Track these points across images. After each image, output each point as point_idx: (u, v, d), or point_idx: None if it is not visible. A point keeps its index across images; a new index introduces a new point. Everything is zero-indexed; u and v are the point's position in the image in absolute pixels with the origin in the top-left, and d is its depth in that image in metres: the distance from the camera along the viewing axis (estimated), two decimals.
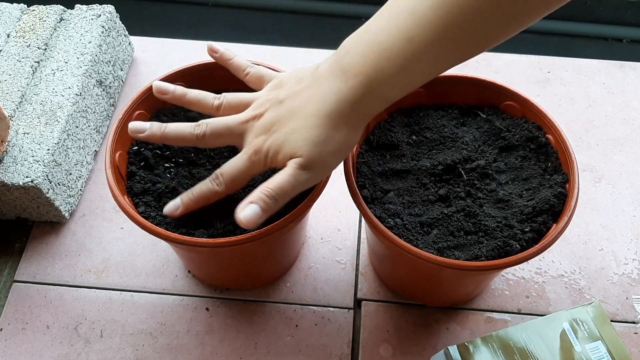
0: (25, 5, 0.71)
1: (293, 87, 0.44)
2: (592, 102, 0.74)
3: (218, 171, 0.45)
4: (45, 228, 0.64)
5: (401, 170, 0.52)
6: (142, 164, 0.52)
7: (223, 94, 0.47)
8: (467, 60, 0.40)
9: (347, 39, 0.42)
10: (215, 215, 0.49)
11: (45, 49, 0.67)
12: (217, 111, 0.47)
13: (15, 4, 0.71)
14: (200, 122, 0.46)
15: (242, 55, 0.51)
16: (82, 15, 0.70)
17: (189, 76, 0.55)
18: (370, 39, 0.40)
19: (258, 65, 0.50)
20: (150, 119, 0.55)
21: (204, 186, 0.46)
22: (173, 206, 0.46)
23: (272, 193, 0.42)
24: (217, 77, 0.56)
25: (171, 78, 0.55)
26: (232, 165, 0.44)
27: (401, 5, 0.39)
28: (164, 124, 0.47)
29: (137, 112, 0.53)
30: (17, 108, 0.62)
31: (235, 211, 0.42)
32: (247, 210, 0.41)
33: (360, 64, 0.40)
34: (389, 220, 0.48)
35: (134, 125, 0.47)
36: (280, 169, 0.43)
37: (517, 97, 0.54)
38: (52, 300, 0.59)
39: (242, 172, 0.44)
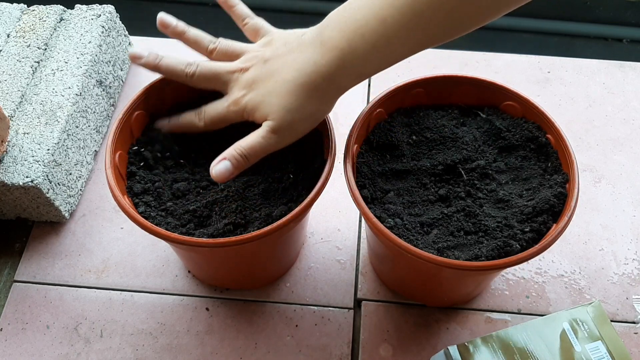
0: (25, 5, 0.71)
1: (279, 48, 0.46)
2: (592, 102, 0.74)
3: (202, 108, 0.50)
4: (45, 228, 0.64)
5: (401, 170, 0.52)
6: (142, 164, 0.52)
7: (219, 38, 0.50)
8: (439, 44, 0.42)
9: (333, 11, 0.44)
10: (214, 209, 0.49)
11: (45, 49, 0.67)
12: (210, 54, 0.51)
13: (15, 4, 0.71)
14: (193, 61, 0.49)
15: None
16: (82, 15, 0.70)
17: None
18: (349, 16, 0.42)
19: (258, 17, 0.52)
20: (149, 119, 0.55)
21: (189, 116, 0.51)
22: (162, 120, 0.52)
23: (244, 152, 0.45)
24: None
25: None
26: (213, 107, 0.49)
27: None
28: (161, 55, 0.50)
29: (137, 112, 0.53)
30: (17, 108, 0.62)
31: (210, 166, 0.45)
32: (219, 166, 0.45)
33: (337, 38, 0.42)
34: (389, 220, 0.48)
35: (133, 50, 0.51)
36: (255, 125, 0.46)
37: (517, 97, 0.54)
38: (52, 300, 0.59)
39: (220, 116, 0.49)
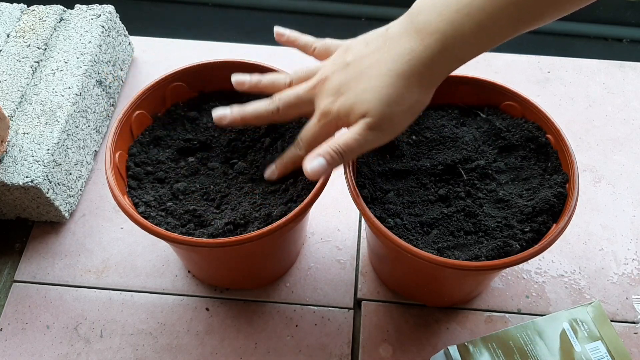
0: (25, 5, 0.71)
1: (361, 50, 0.44)
2: (592, 102, 0.74)
3: (299, 137, 0.47)
4: (45, 228, 0.64)
5: (401, 170, 0.52)
6: (142, 164, 0.53)
7: (294, 70, 0.49)
8: (546, 22, 0.40)
9: (416, 1, 0.42)
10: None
11: (45, 49, 0.67)
12: (289, 88, 0.48)
13: (15, 4, 0.71)
14: (273, 96, 0.47)
15: (243, 55, 0.51)
16: (82, 15, 0.70)
17: (189, 76, 0.55)
18: None
19: (324, 39, 0.50)
20: (152, 122, 0.55)
21: (291, 153, 0.48)
22: (222, 113, 0.49)
23: (340, 149, 0.43)
24: (217, 77, 0.56)
25: (171, 78, 0.55)
26: (306, 131, 0.46)
27: None
28: (242, 108, 0.48)
29: (137, 112, 0.53)
30: (17, 108, 0.62)
31: (303, 163, 0.43)
32: (314, 163, 0.43)
33: (435, 22, 0.40)
34: (389, 220, 0.48)
35: (216, 113, 0.49)
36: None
37: (517, 97, 0.54)
38: (52, 300, 0.59)
39: (315, 134, 0.46)
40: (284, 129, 0.54)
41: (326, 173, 0.44)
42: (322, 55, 0.49)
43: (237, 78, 0.50)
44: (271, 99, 0.47)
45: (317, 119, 0.45)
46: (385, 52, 0.42)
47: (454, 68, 0.42)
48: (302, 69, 0.48)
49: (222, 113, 0.48)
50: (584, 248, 0.62)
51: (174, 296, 0.59)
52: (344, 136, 0.43)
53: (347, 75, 0.44)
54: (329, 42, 0.49)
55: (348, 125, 0.44)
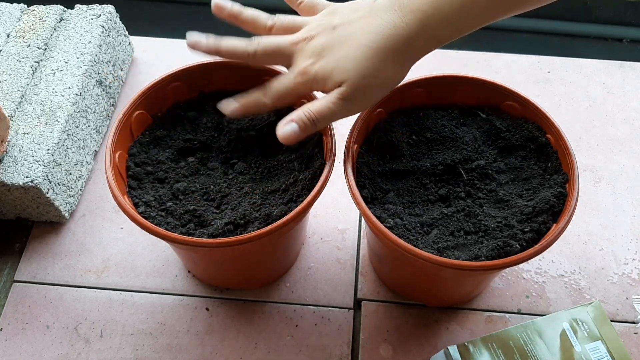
0: (25, 5, 0.71)
1: (348, 15, 0.45)
2: (592, 102, 0.74)
3: (267, 84, 0.47)
4: (45, 228, 0.64)
5: (401, 170, 0.52)
6: (142, 164, 0.52)
7: (277, 15, 0.48)
8: (526, 9, 0.41)
9: None
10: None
11: (45, 49, 0.67)
12: (269, 31, 0.48)
13: (15, 4, 0.71)
14: (253, 38, 0.47)
15: None
16: (82, 15, 0.70)
17: (189, 76, 0.55)
18: None
19: None
20: (152, 122, 0.55)
21: (255, 95, 0.47)
22: (226, 102, 0.48)
23: (312, 116, 0.43)
24: (217, 77, 0.56)
25: (171, 78, 0.55)
26: (279, 82, 0.46)
27: None
28: (219, 39, 0.48)
29: (137, 112, 0.53)
30: (17, 108, 0.62)
31: (277, 127, 0.44)
32: (286, 127, 0.44)
33: (419, 1, 0.41)
34: (389, 220, 0.48)
35: (190, 37, 0.48)
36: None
37: (517, 97, 0.54)
38: (52, 300, 0.59)
39: (288, 90, 0.46)
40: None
41: (297, 139, 0.44)
42: (307, 11, 0.49)
43: (217, 2, 0.49)
44: (250, 40, 0.47)
45: (293, 76, 0.45)
46: (369, 21, 0.43)
47: (432, 48, 0.43)
48: (286, 17, 0.48)
49: (198, 38, 0.48)
50: (584, 248, 0.62)
51: (174, 296, 0.59)
52: (316, 103, 0.44)
53: (332, 38, 0.44)
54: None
55: (323, 90, 0.45)
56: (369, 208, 0.47)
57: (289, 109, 0.53)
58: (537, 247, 0.45)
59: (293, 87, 0.46)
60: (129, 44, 0.76)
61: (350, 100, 0.43)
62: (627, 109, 0.73)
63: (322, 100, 0.44)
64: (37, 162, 0.58)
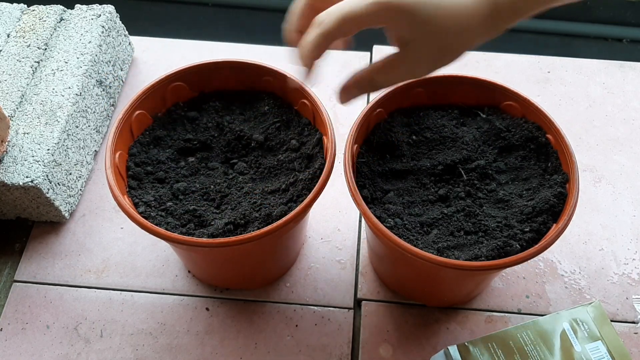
0: (25, 5, 0.71)
1: None
2: (592, 102, 0.74)
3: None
4: (45, 228, 0.64)
5: (401, 170, 0.52)
6: (142, 164, 0.53)
7: None
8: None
9: None
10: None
11: (45, 49, 0.67)
12: None
13: (15, 4, 0.71)
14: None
15: (243, 55, 0.51)
16: (82, 15, 0.70)
17: (189, 76, 0.55)
18: None
19: None
20: (152, 122, 0.55)
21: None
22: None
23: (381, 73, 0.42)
24: (217, 77, 0.56)
25: (171, 78, 0.55)
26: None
27: None
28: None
29: (137, 112, 0.53)
30: (17, 108, 0.62)
31: (339, 93, 0.43)
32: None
33: None
34: (389, 220, 0.48)
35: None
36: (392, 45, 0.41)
37: (517, 97, 0.54)
38: (52, 300, 0.59)
39: (355, 14, 0.39)
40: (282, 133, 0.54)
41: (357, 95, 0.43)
42: None
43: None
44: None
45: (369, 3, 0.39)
46: None
47: (516, 20, 0.41)
48: None
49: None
50: (584, 248, 0.62)
51: (174, 296, 0.59)
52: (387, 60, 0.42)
53: None
54: None
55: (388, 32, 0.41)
56: (369, 208, 0.47)
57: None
58: (537, 247, 0.45)
59: (364, 12, 0.39)
60: (129, 44, 0.76)
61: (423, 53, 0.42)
62: (627, 109, 0.73)
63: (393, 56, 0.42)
64: (37, 162, 0.58)
